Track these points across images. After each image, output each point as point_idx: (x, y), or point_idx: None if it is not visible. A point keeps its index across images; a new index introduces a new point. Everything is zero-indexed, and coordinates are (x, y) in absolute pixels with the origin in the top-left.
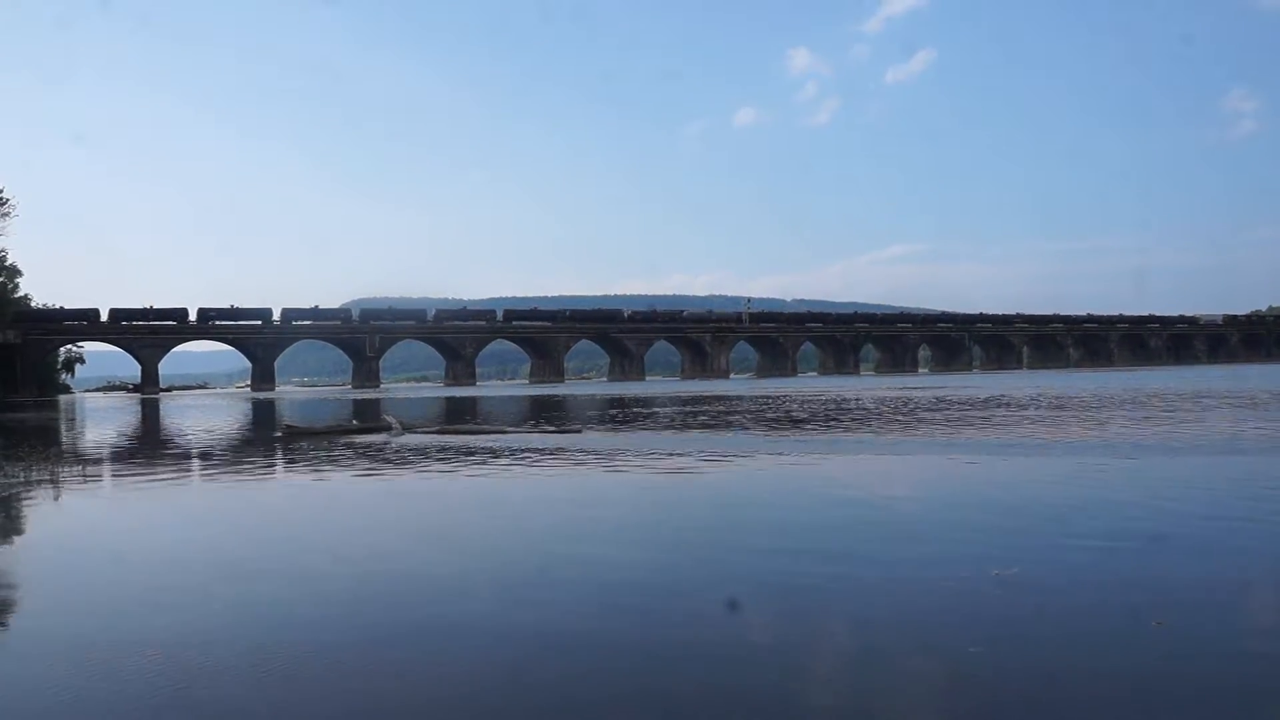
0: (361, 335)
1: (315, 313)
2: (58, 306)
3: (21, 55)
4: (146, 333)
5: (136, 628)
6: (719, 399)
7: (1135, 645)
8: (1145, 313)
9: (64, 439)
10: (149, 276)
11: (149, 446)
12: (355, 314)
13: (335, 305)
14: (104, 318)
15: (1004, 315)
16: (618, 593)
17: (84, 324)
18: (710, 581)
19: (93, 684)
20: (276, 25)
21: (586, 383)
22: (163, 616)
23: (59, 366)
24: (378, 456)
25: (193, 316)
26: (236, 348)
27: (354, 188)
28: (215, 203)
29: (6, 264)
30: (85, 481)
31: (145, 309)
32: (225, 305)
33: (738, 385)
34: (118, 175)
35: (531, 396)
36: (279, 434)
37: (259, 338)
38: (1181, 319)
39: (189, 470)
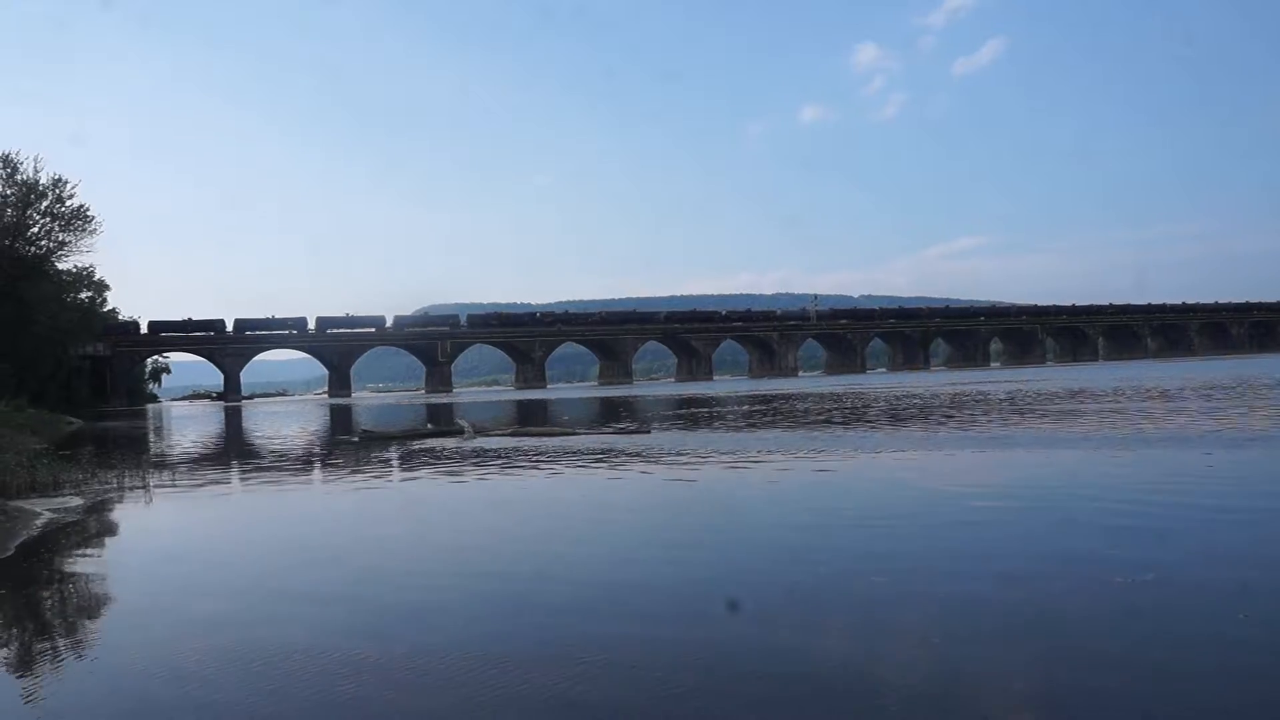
0: (434, 341)
1: (424, 318)
2: (186, 318)
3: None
4: (230, 343)
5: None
6: (794, 397)
7: None
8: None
9: (164, 447)
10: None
11: (248, 453)
12: (463, 319)
13: (406, 313)
14: (229, 328)
15: (1097, 305)
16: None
17: (208, 333)
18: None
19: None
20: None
21: (654, 383)
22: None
23: (146, 376)
24: (457, 459)
25: (311, 325)
26: (314, 356)
27: (407, 193)
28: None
29: (95, 279)
30: (205, 485)
31: (267, 319)
32: (341, 314)
33: (809, 383)
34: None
35: (600, 398)
36: (355, 439)
37: (335, 345)
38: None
39: (297, 474)
